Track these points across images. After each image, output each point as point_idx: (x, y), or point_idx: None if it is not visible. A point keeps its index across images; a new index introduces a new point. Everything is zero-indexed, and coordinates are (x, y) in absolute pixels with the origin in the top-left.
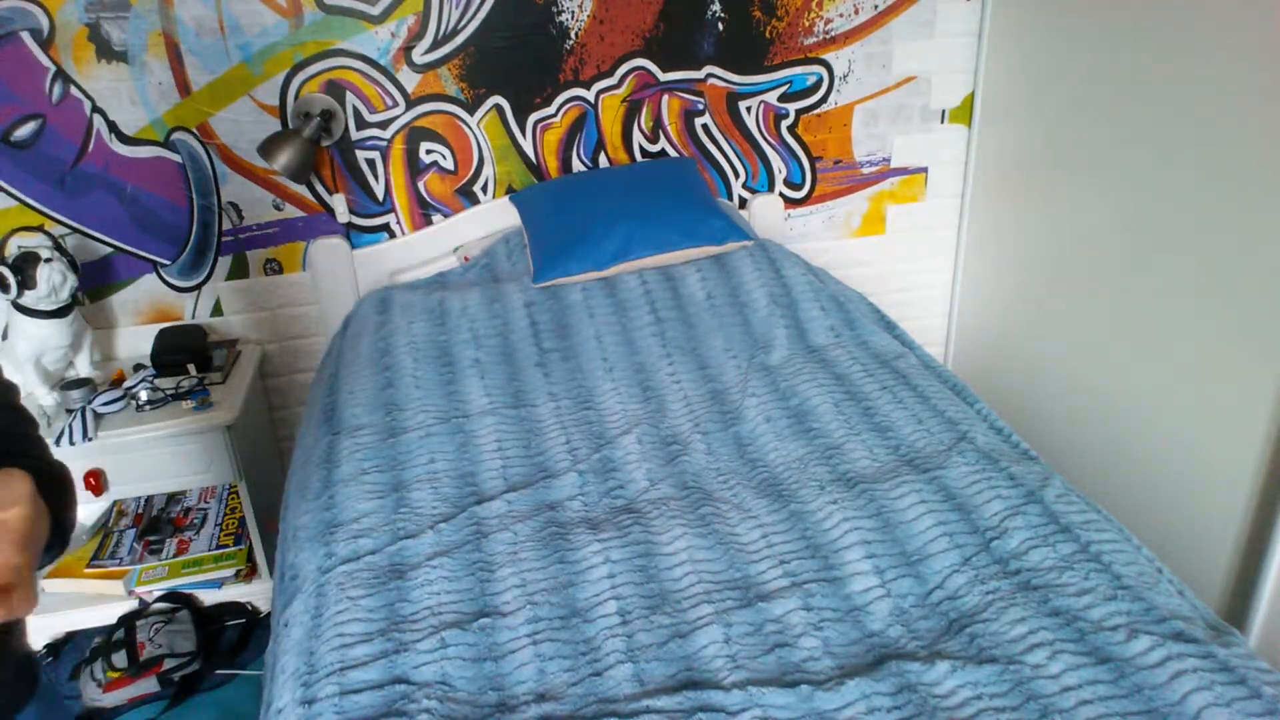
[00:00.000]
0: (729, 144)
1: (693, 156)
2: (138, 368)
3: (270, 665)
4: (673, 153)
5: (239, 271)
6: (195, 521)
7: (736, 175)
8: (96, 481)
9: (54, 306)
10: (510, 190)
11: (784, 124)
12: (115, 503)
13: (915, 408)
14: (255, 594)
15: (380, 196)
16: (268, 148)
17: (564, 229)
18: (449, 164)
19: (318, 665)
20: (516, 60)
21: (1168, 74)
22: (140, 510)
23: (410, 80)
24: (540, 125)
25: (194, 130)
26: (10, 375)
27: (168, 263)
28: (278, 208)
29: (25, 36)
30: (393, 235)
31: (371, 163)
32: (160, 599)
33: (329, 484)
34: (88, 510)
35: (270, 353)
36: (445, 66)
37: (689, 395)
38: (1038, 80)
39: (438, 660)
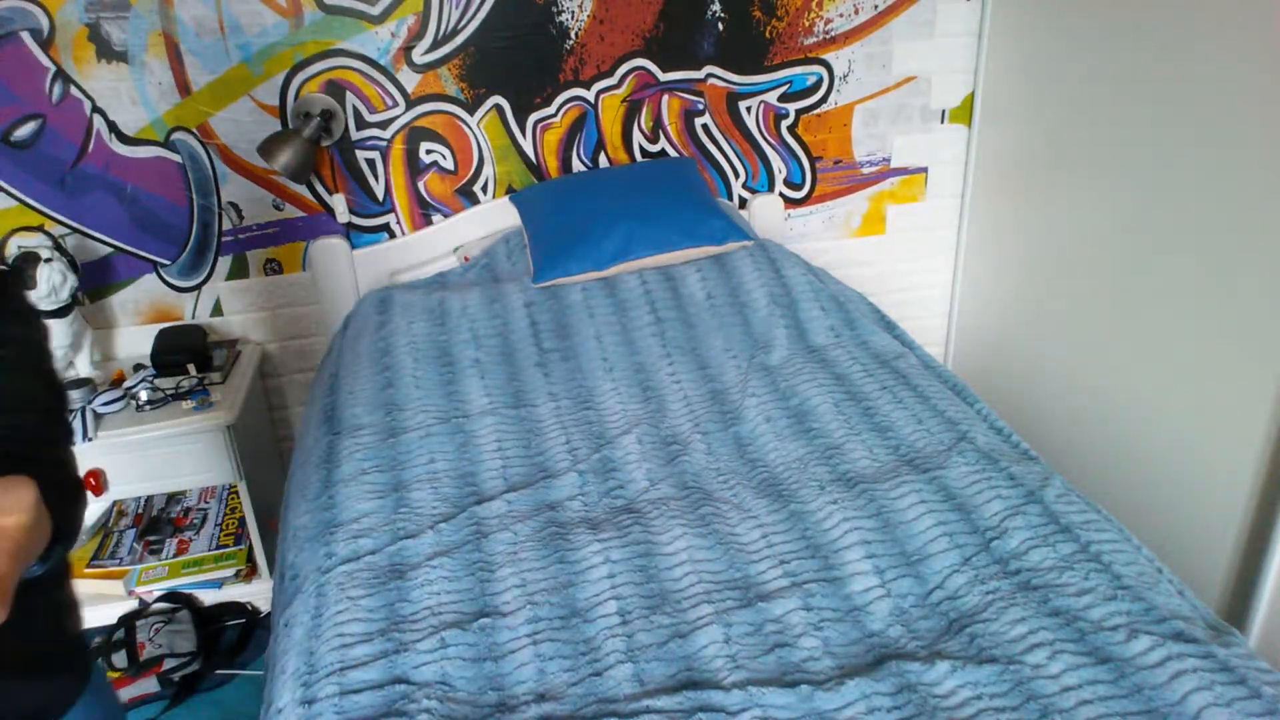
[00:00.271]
0: (729, 144)
1: (693, 156)
2: (138, 368)
3: (270, 665)
4: (673, 153)
5: (239, 271)
6: (195, 521)
7: (736, 175)
8: (96, 481)
9: (54, 306)
10: (510, 190)
11: (784, 124)
12: (115, 503)
13: (915, 408)
14: (255, 594)
15: (380, 196)
16: (268, 148)
17: (564, 229)
18: (449, 164)
19: (318, 665)
20: (516, 60)
21: (1168, 74)
22: (140, 510)
23: (410, 80)
24: (540, 125)
25: (194, 130)
26: None
27: (168, 263)
28: (278, 208)
29: (25, 36)
30: (393, 235)
31: (371, 163)
32: (160, 599)
33: (329, 484)
34: (88, 510)
35: (270, 353)
36: (445, 66)
37: (689, 395)
38: (1038, 80)
39: (438, 660)
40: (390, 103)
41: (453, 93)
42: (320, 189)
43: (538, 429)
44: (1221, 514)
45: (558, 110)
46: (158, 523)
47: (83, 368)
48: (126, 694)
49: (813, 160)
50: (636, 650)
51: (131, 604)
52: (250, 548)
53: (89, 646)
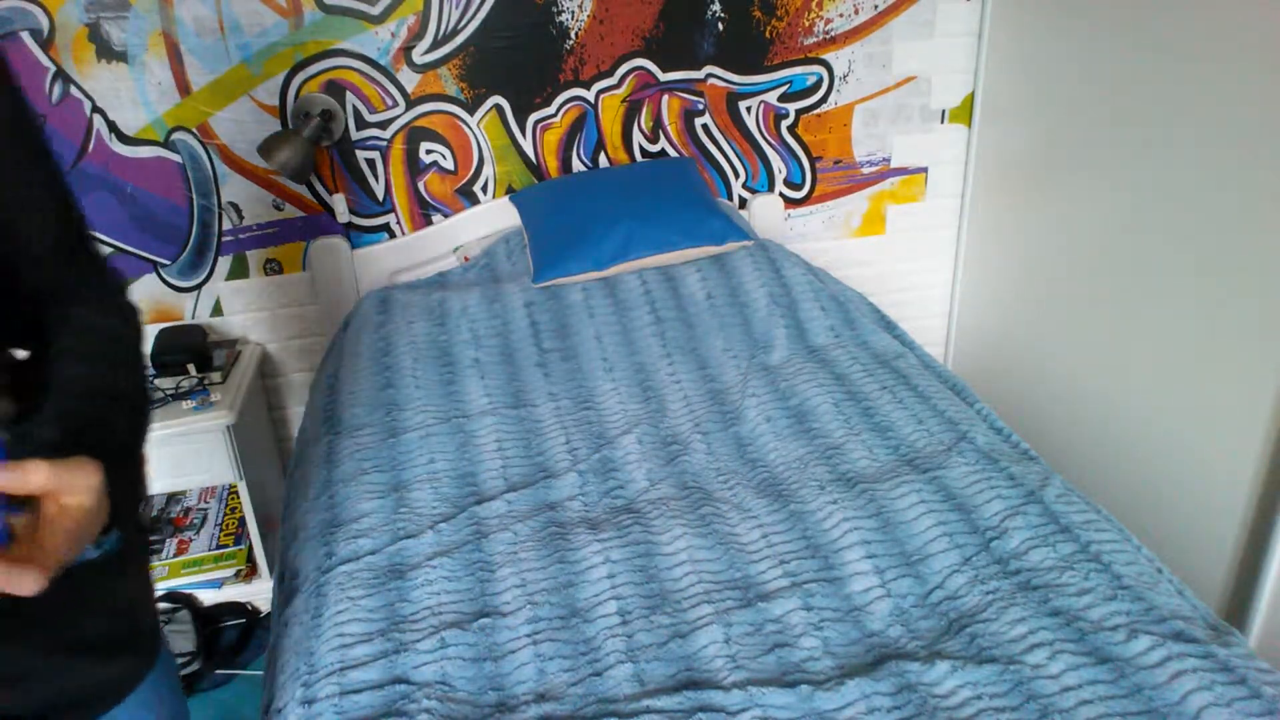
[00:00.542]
0: (729, 144)
1: (693, 156)
2: None
3: (270, 665)
4: (673, 153)
5: (239, 271)
6: (195, 521)
7: (736, 175)
8: None
9: None
10: (510, 190)
11: (784, 124)
12: None
13: (915, 408)
14: (255, 594)
15: (380, 196)
16: (268, 148)
17: (564, 229)
18: (449, 164)
19: (318, 665)
20: (516, 60)
21: (1168, 74)
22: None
23: (410, 80)
24: (540, 125)
25: (194, 130)
26: None
27: (168, 263)
28: (278, 208)
29: (25, 36)
30: (393, 235)
31: (371, 163)
32: (160, 599)
33: (329, 484)
34: None
35: (270, 353)
36: (445, 66)
37: (689, 395)
38: (1038, 80)
39: (438, 660)
40: (390, 103)
41: (453, 93)
42: (320, 189)
43: (538, 429)
44: (1221, 514)
45: (558, 110)
46: (158, 523)
47: None
48: None
49: (813, 160)
50: (636, 650)
51: None
52: (250, 548)
53: (158, 632)
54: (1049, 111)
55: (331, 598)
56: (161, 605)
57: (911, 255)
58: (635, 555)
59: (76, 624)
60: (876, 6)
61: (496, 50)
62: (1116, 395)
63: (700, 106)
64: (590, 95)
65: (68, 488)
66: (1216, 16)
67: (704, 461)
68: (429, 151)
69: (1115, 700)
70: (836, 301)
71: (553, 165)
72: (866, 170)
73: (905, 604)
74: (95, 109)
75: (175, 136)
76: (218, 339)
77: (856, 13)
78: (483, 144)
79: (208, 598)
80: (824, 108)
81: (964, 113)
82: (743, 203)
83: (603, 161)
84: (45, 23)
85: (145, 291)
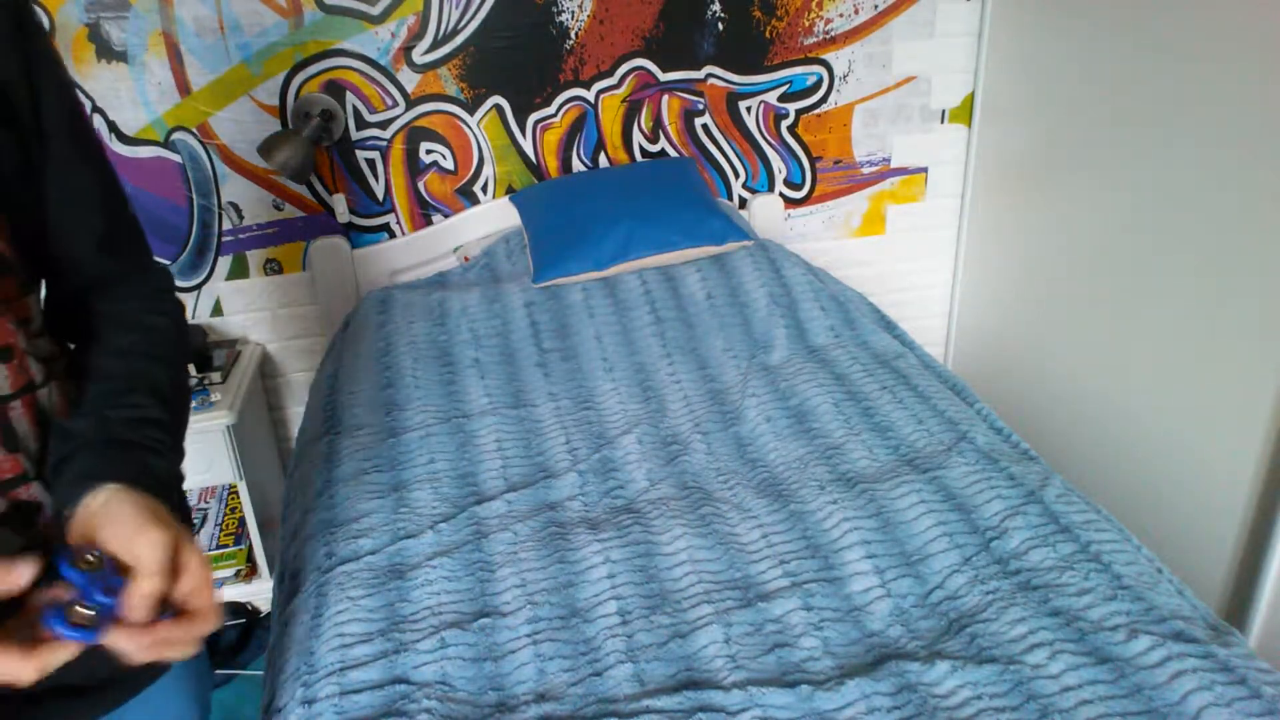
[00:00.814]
0: (729, 144)
1: (693, 156)
2: None
3: (270, 665)
4: (673, 153)
5: (239, 271)
6: (195, 521)
7: (736, 175)
8: None
9: None
10: (510, 190)
11: (784, 124)
12: None
13: (915, 408)
14: (255, 594)
15: (380, 196)
16: (268, 148)
17: (564, 229)
18: (449, 164)
19: (318, 665)
20: (516, 60)
21: (1168, 74)
22: None
23: (410, 80)
24: (540, 125)
25: (194, 130)
26: None
27: (168, 263)
28: (278, 208)
29: None
30: (393, 235)
31: (371, 163)
32: None
33: (329, 484)
34: None
35: (270, 353)
36: (445, 66)
37: (689, 395)
38: (1038, 80)
39: (438, 660)
40: (390, 103)
41: (453, 93)
42: (320, 189)
43: (538, 429)
44: (1221, 514)
45: (558, 110)
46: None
47: None
48: None
49: (813, 160)
50: (636, 650)
51: None
52: (250, 548)
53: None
54: (1049, 111)
55: (331, 598)
56: None
57: (911, 255)
58: (635, 555)
59: None
60: (876, 6)
61: (496, 50)
62: (1116, 395)
63: (700, 106)
64: (590, 95)
65: (161, 567)
66: (1216, 16)
67: (704, 461)
68: (429, 151)
69: (1115, 700)
70: (836, 301)
71: (553, 165)
72: (866, 170)
73: (905, 604)
74: (95, 109)
75: (175, 136)
76: (218, 339)
77: (856, 13)
78: (483, 144)
79: None
80: (824, 108)
81: (964, 113)
82: (743, 203)
83: (603, 161)
84: (45, 22)
85: None
